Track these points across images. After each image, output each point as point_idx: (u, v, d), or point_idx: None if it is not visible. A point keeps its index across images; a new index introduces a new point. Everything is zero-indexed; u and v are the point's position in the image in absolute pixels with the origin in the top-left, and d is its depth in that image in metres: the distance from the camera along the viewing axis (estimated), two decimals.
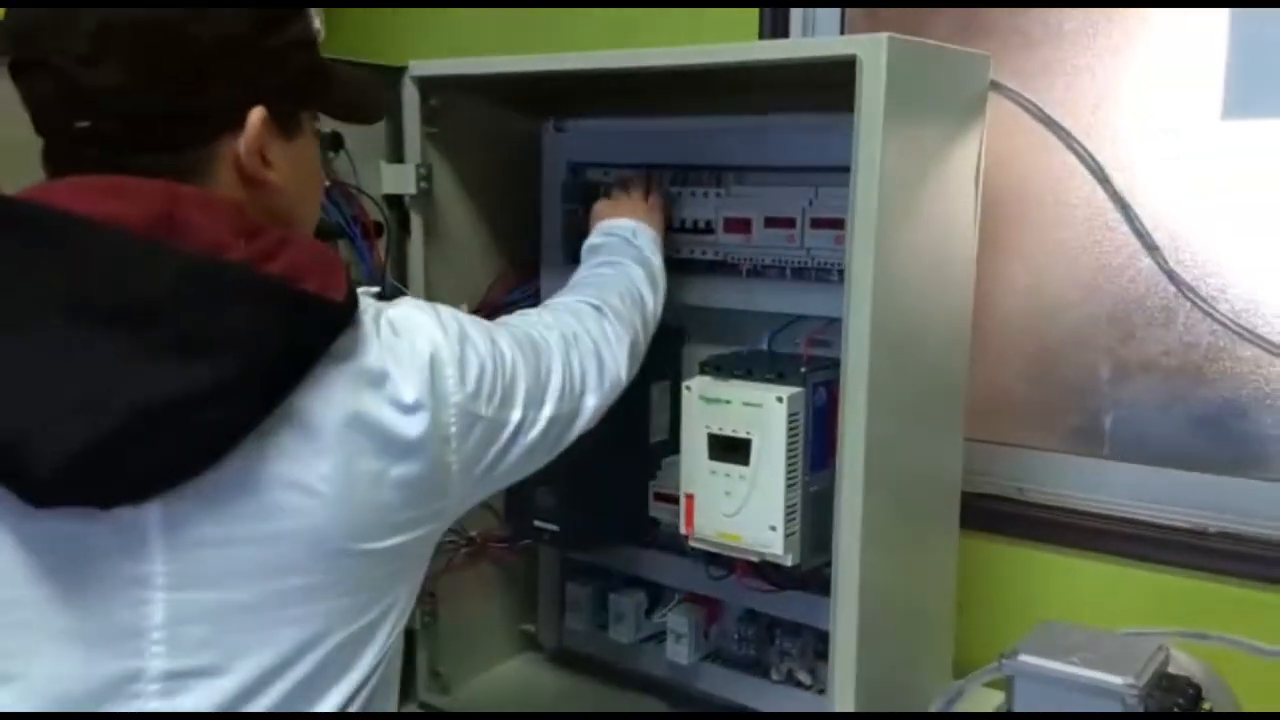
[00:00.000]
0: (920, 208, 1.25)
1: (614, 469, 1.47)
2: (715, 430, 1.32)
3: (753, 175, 1.43)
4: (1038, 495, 1.63)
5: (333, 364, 0.83)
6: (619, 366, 1.15)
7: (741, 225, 1.41)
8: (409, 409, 0.86)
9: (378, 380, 0.85)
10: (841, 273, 1.31)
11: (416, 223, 1.52)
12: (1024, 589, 1.60)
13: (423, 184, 1.50)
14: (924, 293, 1.29)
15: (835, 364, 1.32)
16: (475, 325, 0.97)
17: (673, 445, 1.54)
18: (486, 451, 0.94)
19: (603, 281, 1.26)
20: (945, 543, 1.44)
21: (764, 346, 1.44)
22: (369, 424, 0.84)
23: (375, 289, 0.97)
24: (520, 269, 1.64)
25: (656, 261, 1.34)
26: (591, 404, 1.10)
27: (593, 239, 1.37)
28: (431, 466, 0.88)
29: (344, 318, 0.83)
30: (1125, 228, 1.52)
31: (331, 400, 0.82)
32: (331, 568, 0.83)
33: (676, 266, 1.45)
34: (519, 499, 1.50)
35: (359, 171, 1.45)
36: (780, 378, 1.31)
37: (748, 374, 1.34)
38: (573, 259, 1.56)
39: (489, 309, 1.60)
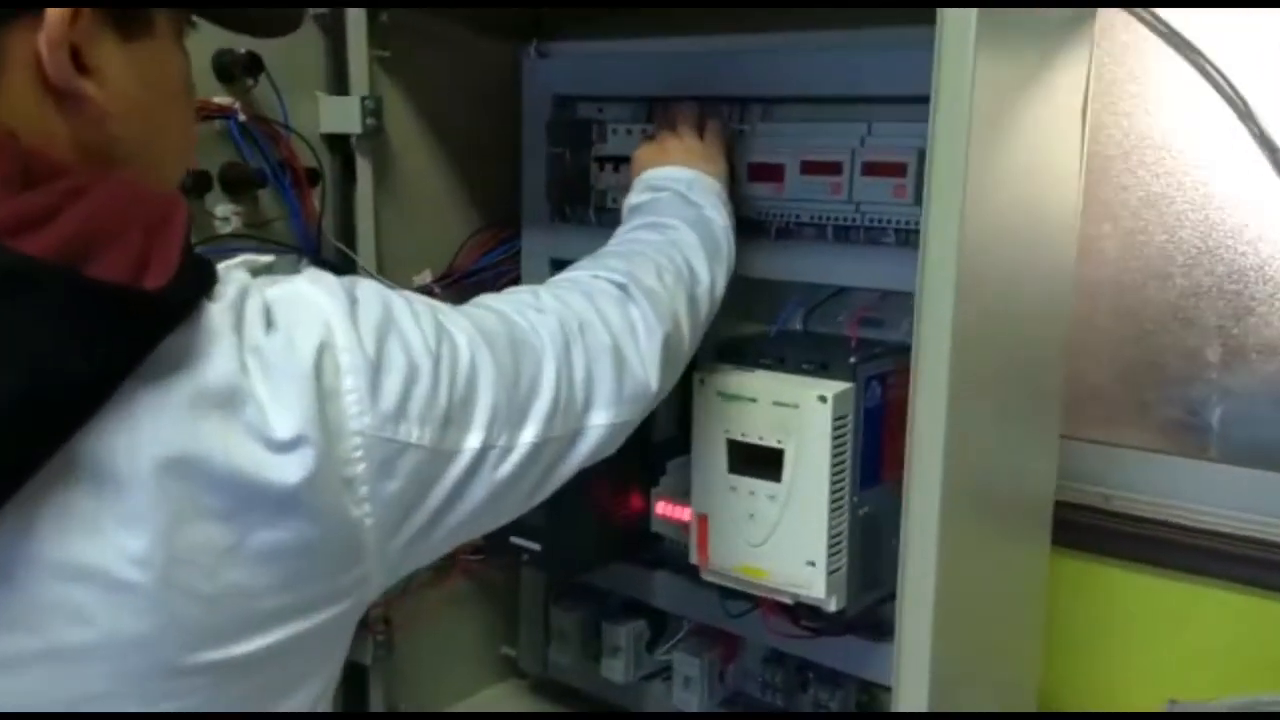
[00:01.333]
0: (1015, 152, 0.95)
1: (609, 474, 1.17)
2: (737, 437, 1.03)
3: (785, 109, 1.12)
4: (1128, 504, 1.34)
5: (151, 384, 0.53)
6: (648, 370, 0.84)
7: (771, 172, 1.11)
8: (282, 444, 0.56)
9: (228, 401, 0.55)
10: (900, 233, 1.03)
11: (364, 169, 1.23)
12: (1110, 617, 1.32)
13: (371, 121, 1.20)
14: (1016, 259, 0.99)
15: (892, 351, 1.04)
16: (411, 308, 0.67)
17: (681, 444, 1.25)
18: (425, 497, 0.65)
19: (637, 250, 0.94)
20: (1034, 565, 1.16)
21: (797, 326, 1.14)
22: (211, 470, 0.54)
23: (265, 258, 0.67)
24: (496, 228, 1.35)
25: (721, 221, 1.02)
26: (601, 422, 0.79)
27: (635, 196, 1.05)
28: (324, 526, 0.59)
29: (161, 313, 0.53)
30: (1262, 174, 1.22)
31: (145, 439, 0.53)
32: (162, 693, 0.55)
33: None
34: None
35: (287, 104, 1.15)
36: (823, 369, 1.02)
37: (779, 363, 1.04)
38: (560, 214, 1.27)
39: (458, 278, 1.31)
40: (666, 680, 1.29)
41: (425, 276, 1.29)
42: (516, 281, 1.32)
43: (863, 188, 1.05)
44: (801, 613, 1.06)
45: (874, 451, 1.04)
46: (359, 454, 0.60)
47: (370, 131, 1.20)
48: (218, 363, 0.55)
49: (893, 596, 1.10)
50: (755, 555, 1.03)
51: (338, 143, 1.22)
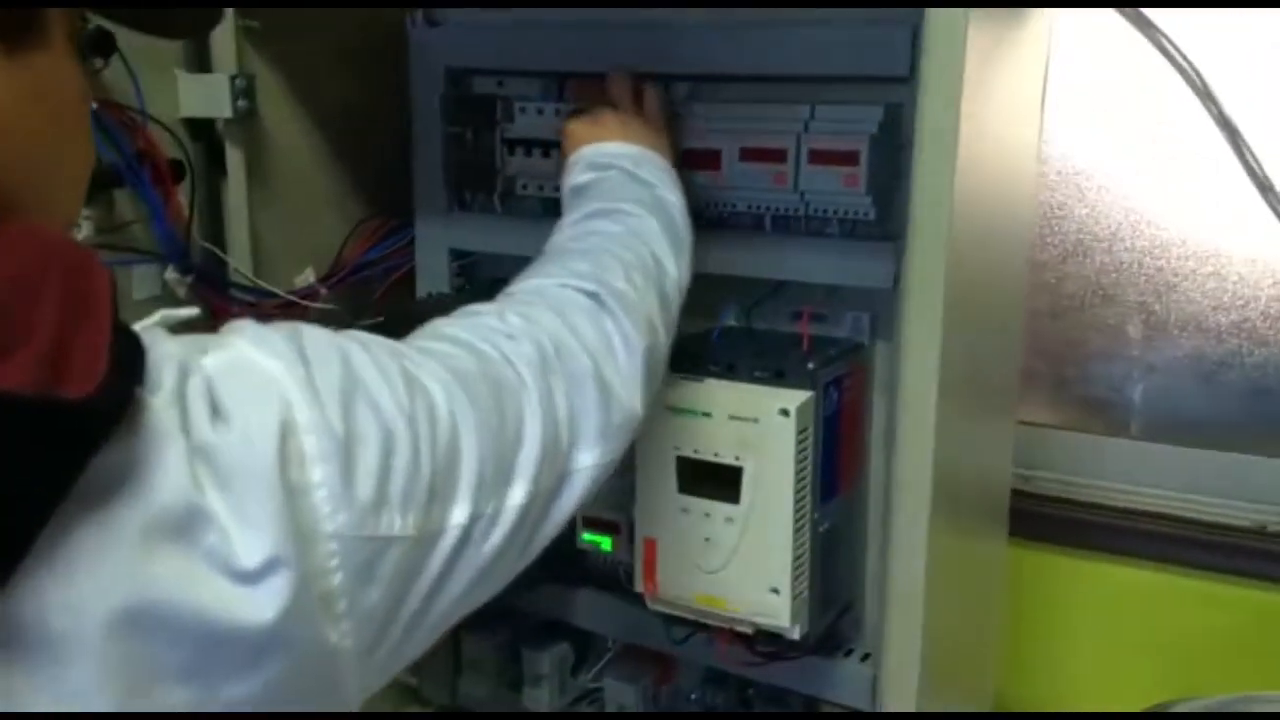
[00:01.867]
0: (990, 130, 0.88)
1: None
2: (689, 454, 0.94)
3: (717, 88, 1.03)
4: (1048, 485, 1.31)
5: (86, 517, 0.40)
6: (631, 393, 0.72)
7: (705, 159, 1.01)
8: (252, 574, 0.44)
9: (184, 528, 0.42)
10: (846, 224, 0.95)
11: (235, 158, 1.07)
12: (1039, 602, 1.29)
13: (242, 103, 1.05)
14: (989, 244, 0.93)
15: (847, 352, 0.97)
16: (373, 357, 0.55)
17: None
18: (406, 596, 0.53)
19: (599, 245, 0.81)
20: (996, 557, 1.12)
21: (733, 324, 1.05)
22: (172, 619, 0.42)
23: (185, 312, 0.54)
24: (384, 217, 1.21)
25: (677, 202, 0.90)
26: (588, 463, 0.67)
27: (576, 176, 0.91)
28: (300, 662, 0.47)
29: (90, 426, 0.40)
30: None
31: (88, 591, 0.40)
32: None
33: None
34: None
35: (142, 86, 0.98)
36: (778, 377, 0.93)
37: (729, 370, 0.95)
38: (460, 202, 1.15)
39: (344, 275, 1.17)
40: (594, 702, 1.20)
41: (308, 276, 1.14)
42: (410, 276, 1.19)
43: (810, 177, 0.96)
44: (758, 639, 0.98)
45: (831, 462, 0.96)
46: (335, 562, 0.48)
47: (241, 115, 1.05)
48: (167, 479, 0.42)
49: (846, 611, 1.05)
50: (711, 583, 0.94)
51: (202, 129, 1.06)
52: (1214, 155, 1.15)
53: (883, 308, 1.00)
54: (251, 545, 0.43)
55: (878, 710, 0.94)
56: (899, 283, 0.95)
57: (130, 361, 0.42)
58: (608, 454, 0.69)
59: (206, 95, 1.03)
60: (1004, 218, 0.98)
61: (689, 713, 1.18)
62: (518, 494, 0.60)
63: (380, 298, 1.20)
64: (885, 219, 0.96)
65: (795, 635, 0.94)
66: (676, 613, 0.99)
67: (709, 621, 0.98)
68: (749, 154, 0.98)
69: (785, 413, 0.89)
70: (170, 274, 1.02)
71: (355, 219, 1.19)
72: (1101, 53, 1.22)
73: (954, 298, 0.82)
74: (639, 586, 0.99)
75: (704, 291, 1.05)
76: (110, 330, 0.41)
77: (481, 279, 1.20)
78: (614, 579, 1.14)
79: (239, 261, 1.08)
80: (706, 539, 0.94)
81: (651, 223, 0.85)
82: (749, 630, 0.95)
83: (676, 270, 0.85)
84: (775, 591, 0.92)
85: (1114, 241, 1.27)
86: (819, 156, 0.95)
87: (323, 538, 0.47)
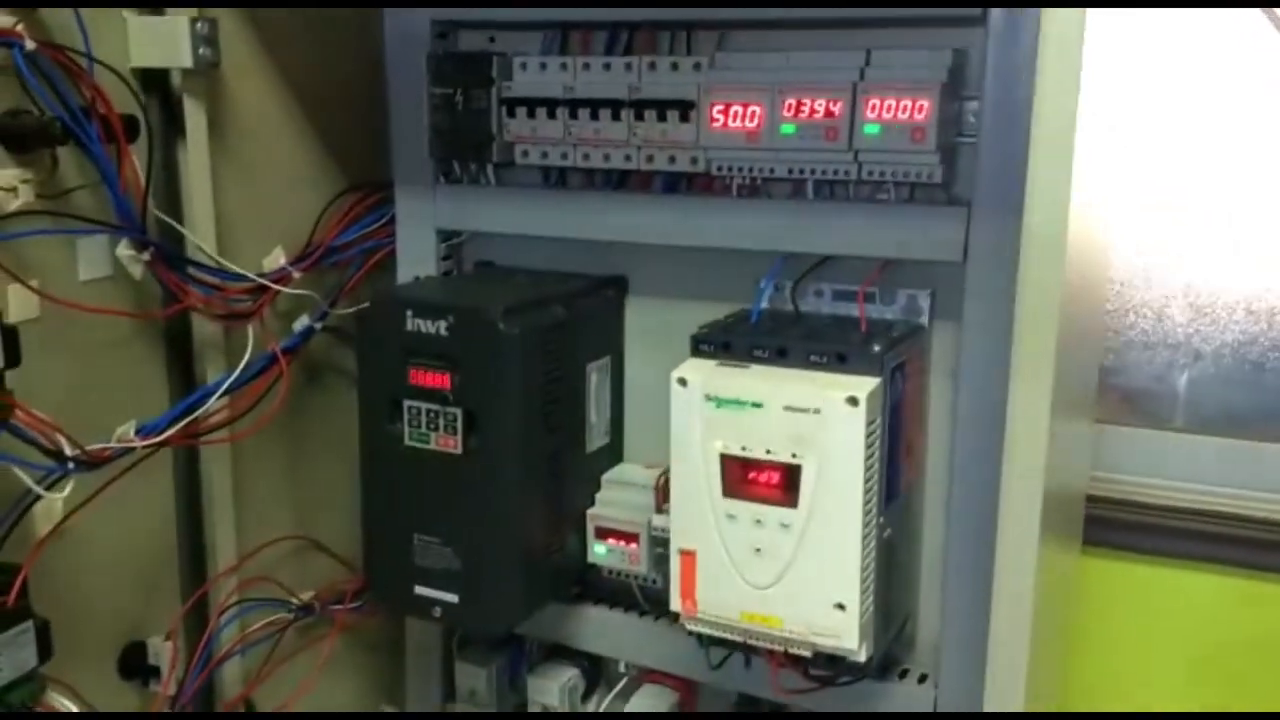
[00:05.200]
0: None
1: (534, 497, 0.94)
2: (735, 451, 0.81)
3: (751, 36, 0.91)
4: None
5: None
6: None
7: (740, 114, 0.88)
8: None
9: None
10: (906, 188, 0.84)
11: (195, 117, 0.93)
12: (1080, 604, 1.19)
13: (204, 52, 0.90)
14: (1084, 224, 0.81)
15: (910, 334, 0.85)
16: None
17: (615, 449, 1.03)
18: None
19: None
20: (1074, 566, 1.01)
21: (764, 304, 0.93)
22: None
23: None
24: (364, 191, 1.07)
25: None
26: None
27: None
28: None
29: None
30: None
31: None
32: None
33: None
34: (385, 546, 0.95)
35: (88, 26, 0.83)
36: (840, 361, 0.81)
37: (780, 355, 0.83)
38: (446, 173, 1.02)
39: (319, 256, 1.03)
40: None
41: (278, 257, 1.00)
42: (392, 259, 1.05)
43: (868, 133, 0.84)
44: (816, 661, 0.85)
45: (894, 460, 0.84)
46: None
47: (202, 66, 0.90)
48: None
49: (903, 628, 0.93)
50: (762, 599, 0.82)
51: (156, 82, 0.91)
52: None
53: (944, 283, 0.89)
54: None
55: None
56: (968, 255, 0.84)
57: None
58: None
59: (162, 41, 0.88)
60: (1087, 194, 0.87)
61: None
62: None
63: (356, 282, 1.05)
64: (951, 181, 0.85)
65: (861, 657, 0.82)
66: (717, 634, 0.86)
67: (755, 643, 0.85)
68: (794, 109, 0.86)
69: (853, 401, 0.77)
70: (124, 249, 0.87)
71: (331, 193, 1.05)
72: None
73: (1067, 293, 0.71)
74: (674, 605, 0.86)
75: (733, 268, 0.94)
76: None
77: (473, 261, 1.07)
78: (627, 595, 1.01)
79: (201, 237, 0.93)
80: (757, 550, 0.82)
81: None
82: (806, 652, 0.83)
83: None
84: (840, 608, 0.80)
85: None
86: (879, 109, 0.83)
87: None
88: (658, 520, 0.95)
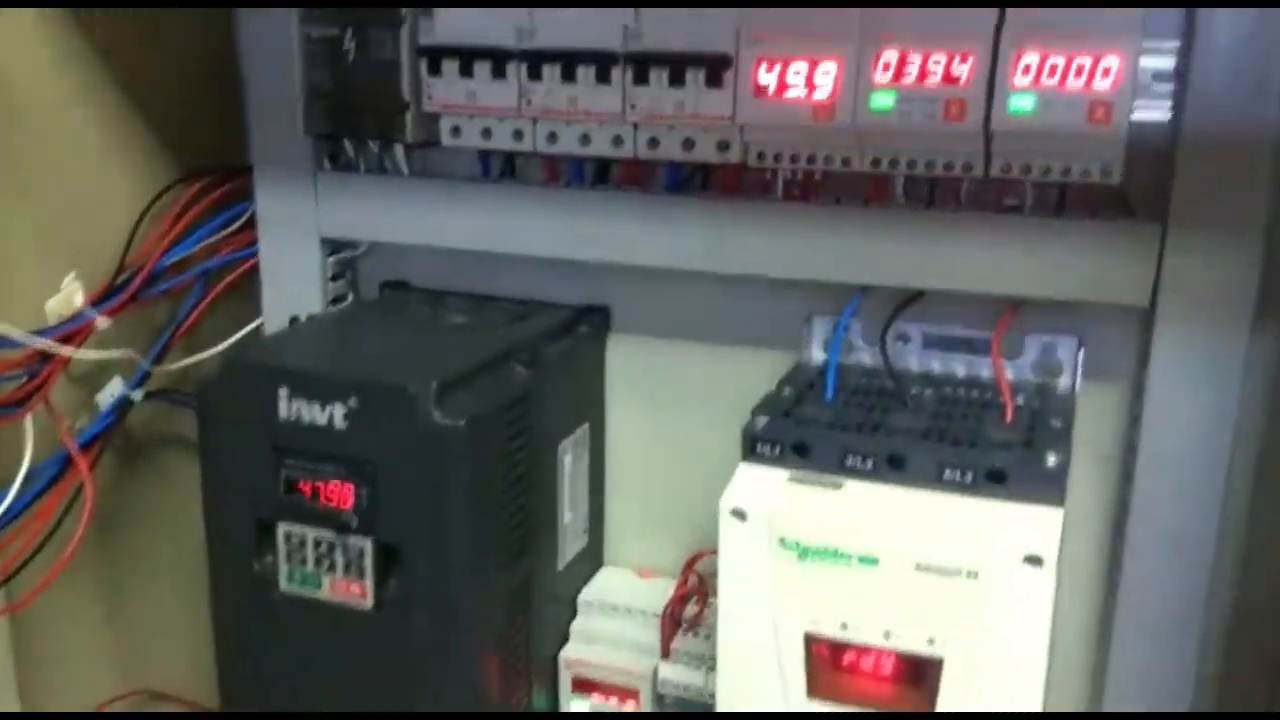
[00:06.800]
0: None
1: (489, 659, 0.61)
2: (831, 632, 0.51)
3: None
4: None
5: None
6: None
7: (809, 73, 0.56)
8: None
9: None
10: (1050, 189, 0.54)
11: None
12: None
13: None
14: None
15: (1060, 412, 0.55)
16: None
17: (593, 551, 0.72)
18: None
19: None
20: None
21: (833, 356, 0.62)
22: None
23: None
24: (203, 181, 0.72)
25: None
26: None
27: None
28: None
29: None
30: None
31: None
32: None
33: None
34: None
35: None
36: (996, 481, 0.51)
37: (894, 465, 0.52)
38: (336, 158, 0.68)
39: (138, 288, 0.67)
40: None
41: (74, 294, 0.65)
42: (253, 279, 0.71)
43: (1016, 111, 0.53)
44: None
45: None
46: None
47: None
48: None
49: None
50: None
51: None
52: None
53: (1094, 326, 0.59)
54: None
55: None
56: (1159, 296, 0.55)
57: None
58: None
59: None
60: None
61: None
62: None
63: (194, 321, 0.71)
64: (1129, 183, 0.55)
65: None
66: None
67: None
68: (893, 68, 0.55)
69: (1035, 561, 0.47)
70: None
71: (151, 188, 0.70)
72: None
73: None
74: None
75: (762, 292, 0.63)
76: None
77: (379, 282, 0.74)
78: None
79: None
80: None
81: None
82: None
83: None
84: None
85: None
86: (1040, 71, 0.52)
87: None
88: (669, 672, 0.65)
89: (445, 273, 0.72)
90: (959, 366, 0.62)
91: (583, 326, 0.69)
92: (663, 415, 0.70)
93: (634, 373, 0.70)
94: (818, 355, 0.65)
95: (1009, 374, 0.61)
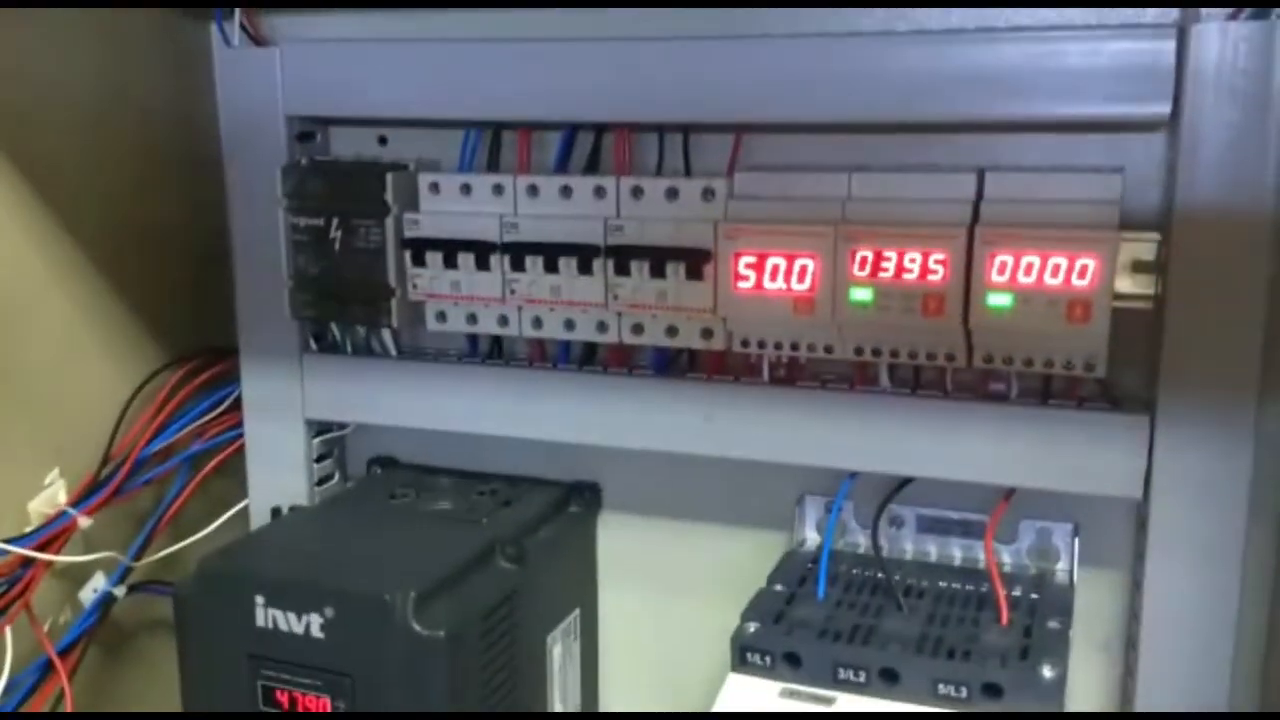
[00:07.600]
0: None
1: None
2: None
3: (800, 141, 0.59)
4: None
5: None
6: None
7: (788, 268, 0.56)
8: None
9: None
10: (1031, 379, 0.53)
11: None
12: None
13: None
14: None
15: (1060, 607, 0.54)
16: None
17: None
18: None
19: None
20: None
21: (826, 546, 0.61)
22: None
23: None
24: (193, 364, 0.72)
25: None
26: None
27: None
28: None
29: None
30: None
31: None
32: None
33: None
34: None
35: None
36: (992, 695, 0.49)
37: (888, 680, 0.50)
38: (322, 339, 0.68)
39: (122, 480, 0.67)
40: None
41: (57, 493, 0.64)
42: (239, 458, 0.70)
43: (993, 308, 0.53)
44: None
45: None
46: None
47: None
48: None
49: None
50: None
51: None
52: None
53: (1089, 512, 0.58)
54: None
55: None
56: (1151, 489, 0.53)
57: None
58: None
59: None
60: None
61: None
62: None
63: (178, 509, 0.70)
64: (1117, 377, 0.54)
65: None
66: None
67: None
68: (869, 263, 0.54)
69: None
70: None
71: (140, 372, 0.70)
72: None
73: None
74: None
75: (779, 484, 0.62)
76: None
77: (367, 459, 0.73)
78: None
79: None
80: None
81: None
82: None
83: None
84: None
85: None
86: (1016, 269, 0.52)
87: None
88: None
89: (434, 449, 0.72)
90: (955, 550, 0.61)
91: (573, 506, 0.69)
92: (656, 595, 0.69)
93: (626, 551, 0.69)
94: (811, 536, 0.64)
95: (1005, 559, 0.60)
